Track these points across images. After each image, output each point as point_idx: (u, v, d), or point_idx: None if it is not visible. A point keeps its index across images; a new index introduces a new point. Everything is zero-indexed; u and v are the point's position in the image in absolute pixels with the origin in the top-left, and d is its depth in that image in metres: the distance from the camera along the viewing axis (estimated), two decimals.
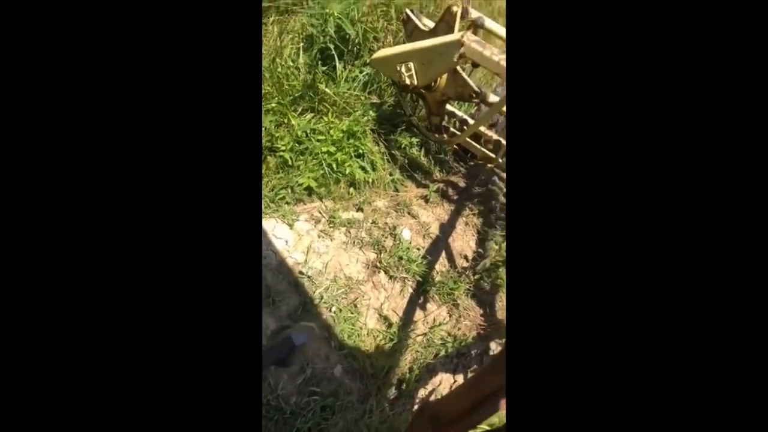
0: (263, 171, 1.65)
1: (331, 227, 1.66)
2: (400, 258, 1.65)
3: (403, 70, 1.52)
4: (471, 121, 1.75)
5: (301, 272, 1.48)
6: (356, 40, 1.90)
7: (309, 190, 1.69)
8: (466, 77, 1.53)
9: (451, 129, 1.84)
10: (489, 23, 1.48)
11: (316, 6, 1.83)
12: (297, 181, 1.66)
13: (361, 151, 1.80)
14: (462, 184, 2.13)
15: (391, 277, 1.61)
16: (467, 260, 1.82)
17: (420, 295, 1.63)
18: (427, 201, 1.94)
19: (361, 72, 1.91)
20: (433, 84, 1.58)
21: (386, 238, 1.72)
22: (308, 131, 1.71)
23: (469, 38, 1.36)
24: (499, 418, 1.45)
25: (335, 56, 1.85)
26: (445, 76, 1.55)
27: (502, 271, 1.76)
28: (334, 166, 1.73)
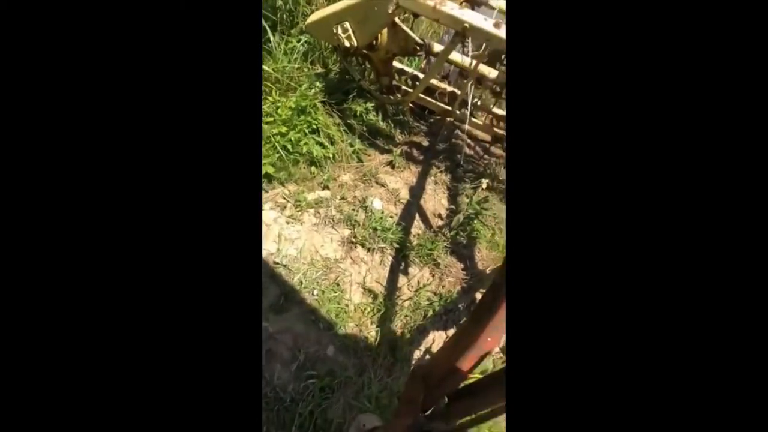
0: None
1: (298, 211, 1.61)
2: (375, 229, 1.63)
3: (340, 31, 1.42)
4: (422, 76, 1.68)
5: (275, 262, 1.45)
6: (287, 7, 1.75)
7: (268, 177, 1.62)
8: (407, 30, 1.44)
9: (404, 87, 1.77)
10: None
11: None
12: None
13: (315, 126, 1.72)
14: (425, 143, 2.09)
15: (368, 250, 1.60)
16: (441, 218, 1.82)
17: (400, 262, 1.63)
18: (393, 167, 1.90)
19: (298, 41, 1.78)
20: (374, 42, 1.49)
21: (357, 211, 1.69)
22: None
23: None
24: (493, 362, 1.50)
25: (267, 28, 1.71)
26: (385, 31, 1.46)
27: (477, 223, 1.77)
28: (289, 147, 1.65)
